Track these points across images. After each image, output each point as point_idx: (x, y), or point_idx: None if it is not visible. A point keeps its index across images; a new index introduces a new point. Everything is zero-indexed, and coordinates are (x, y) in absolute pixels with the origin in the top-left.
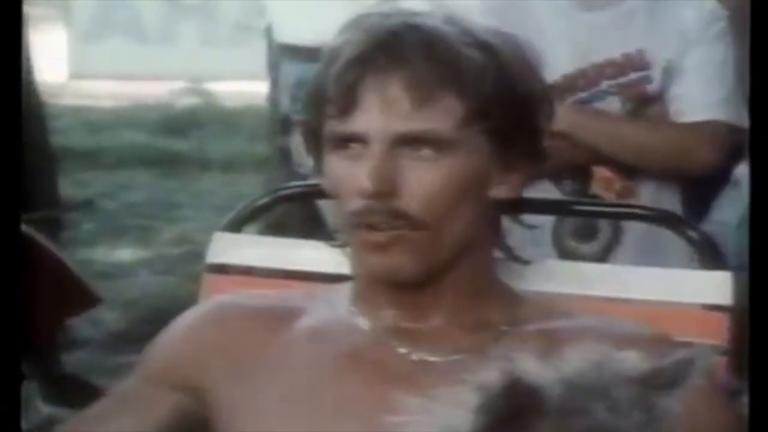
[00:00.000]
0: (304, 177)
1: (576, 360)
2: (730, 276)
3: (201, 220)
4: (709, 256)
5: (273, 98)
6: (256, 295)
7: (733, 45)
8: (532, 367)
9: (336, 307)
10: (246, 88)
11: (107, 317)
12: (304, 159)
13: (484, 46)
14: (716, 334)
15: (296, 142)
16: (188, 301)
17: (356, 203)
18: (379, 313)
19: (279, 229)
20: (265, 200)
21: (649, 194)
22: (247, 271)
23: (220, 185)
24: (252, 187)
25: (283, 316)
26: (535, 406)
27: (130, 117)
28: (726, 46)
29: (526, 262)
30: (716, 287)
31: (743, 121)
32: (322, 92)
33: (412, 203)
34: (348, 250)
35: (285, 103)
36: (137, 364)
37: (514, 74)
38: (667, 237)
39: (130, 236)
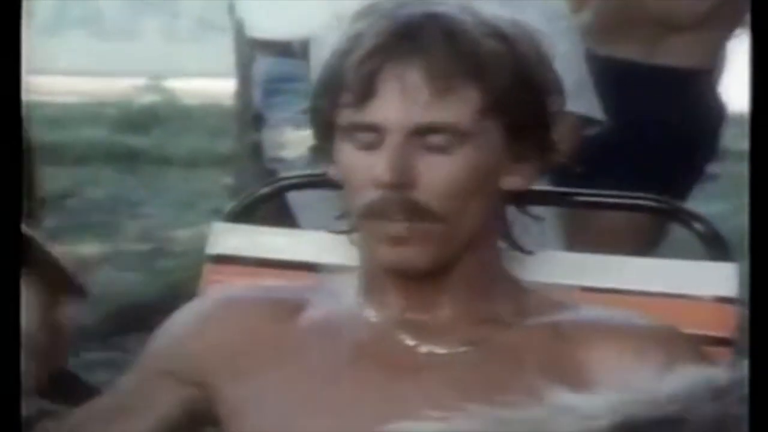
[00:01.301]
0: (275, 172)
1: (666, 382)
2: (735, 268)
3: (163, 216)
4: (716, 247)
5: (243, 94)
6: (259, 287)
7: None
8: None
9: (341, 299)
10: (207, 84)
11: (71, 314)
12: (275, 154)
13: (501, 37)
14: (722, 326)
15: (268, 137)
16: (152, 296)
17: (372, 194)
18: (387, 305)
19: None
20: (267, 190)
21: None
22: (248, 262)
23: (181, 182)
24: (213, 185)
25: (288, 309)
26: None
27: (91, 113)
28: (571, 41)
29: (529, 253)
30: (722, 279)
31: (595, 112)
32: (338, 80)
33: (429, 195)
34: (353, 238)
35: (257, 99)
36: (139, 358)
37: (529, 65)
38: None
39: (92, 232)
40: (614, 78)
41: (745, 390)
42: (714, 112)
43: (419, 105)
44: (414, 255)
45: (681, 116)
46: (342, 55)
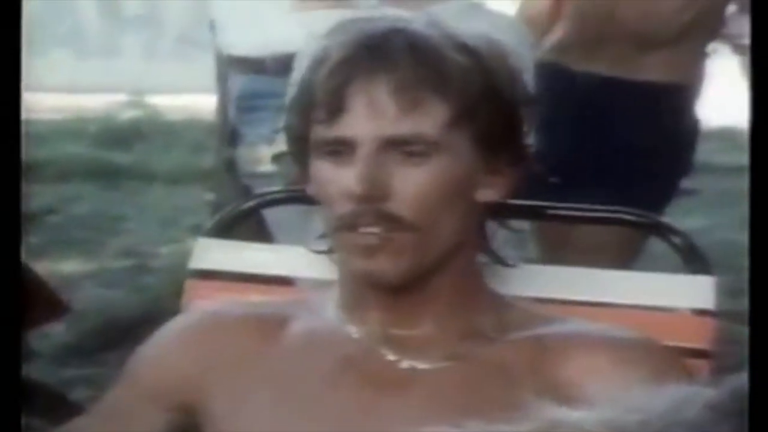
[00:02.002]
0: (251, 188)
1: (659, 400)
2: (713, 281)
3: (145, 232)
4: (694, 261)
5: (221, 110)
6: (242, 303)
7: None
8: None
9: (323, 314)
10: (188, 100)
11: (53, 330)
12: (250, 169)
13: (469, 51)
14: (700, 339)
15: (243, 153)
16: (135, 312)
17: (344, 207)
18: (368, 320)
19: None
20: (250, 204)
21: None
22: (230, 277)
23: (163, 198)
24: (195, 200)
25: (271, 324)
26: None
27: (73, 130)
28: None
29: (511, 266)
30: (700, 292)
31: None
32: (309, 97)
33: (401, 205)
34: (334, 256)
35: (232, 115)
36: (123, 375)
37: (499, 79)
38: None
39: (74, 249)
40: (590, 93)
41: (744, 407)
42: (690, 127)
43: (387, 119)
44: (387, 266)
45: (657, 131)
46: (312, 70)
